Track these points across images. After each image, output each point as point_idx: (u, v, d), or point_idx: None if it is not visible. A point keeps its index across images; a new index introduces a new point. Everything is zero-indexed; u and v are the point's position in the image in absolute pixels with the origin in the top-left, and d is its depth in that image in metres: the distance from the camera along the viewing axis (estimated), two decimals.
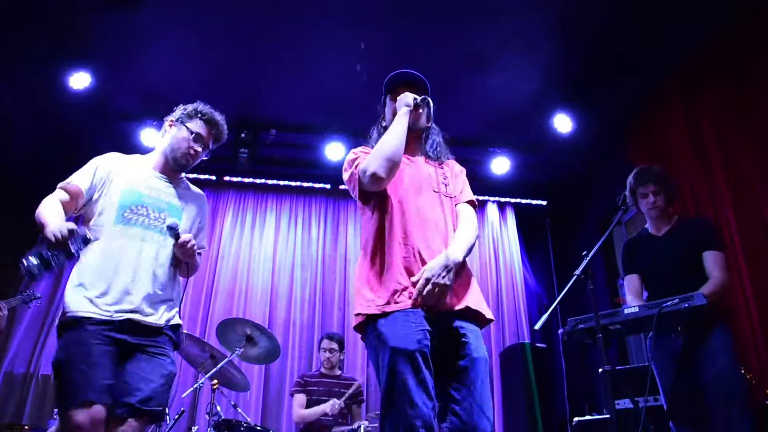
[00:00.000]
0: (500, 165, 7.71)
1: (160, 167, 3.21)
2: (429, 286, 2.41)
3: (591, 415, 4.97)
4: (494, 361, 7.52)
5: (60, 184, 2.96)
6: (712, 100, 5.46)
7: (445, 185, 2.90)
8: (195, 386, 4.79)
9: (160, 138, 3.30)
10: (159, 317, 2.94)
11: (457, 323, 2.51)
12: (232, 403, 5.49)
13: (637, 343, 6.72)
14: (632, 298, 3.98)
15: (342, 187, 7.41)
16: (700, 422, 3.52)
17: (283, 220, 8.22)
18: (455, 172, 3.06)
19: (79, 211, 3.03)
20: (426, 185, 2.81)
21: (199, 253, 3.25)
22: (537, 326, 3.31)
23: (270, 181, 8.34)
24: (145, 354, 2.85)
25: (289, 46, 6.18)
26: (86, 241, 2.66)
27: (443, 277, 2.44)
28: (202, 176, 8.16)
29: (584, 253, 3.37)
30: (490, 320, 2.66)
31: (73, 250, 2.57)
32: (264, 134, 7.49)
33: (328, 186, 8.35)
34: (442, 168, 3.00)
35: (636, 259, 4.09)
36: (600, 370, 3.15)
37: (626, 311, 3.47)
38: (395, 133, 2.73)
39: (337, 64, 6.37)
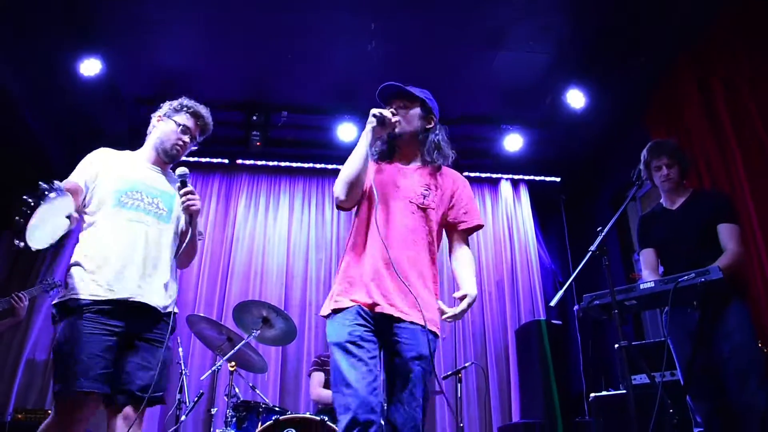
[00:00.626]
0: (513, 142, 7.67)
1: (152, 160, 3.33)
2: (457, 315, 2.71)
3: (607, 390, 4.98)
4: (510, 339, 7.55)
5: (62, 183, 2.94)
6: (727, 72, 5.39)
7: (424, 195, 2.93)
8: (213, 369, 4.83)
9: (149, 133, 3.42)
10: (157, 299, 3.03)
11: (396, 327, 2.69)
12: (250, 384, 5.54)
13: (652, 319, 6.70)
14: (648, 272, 3.96)
15: None
16: (717, 396, 3.52)
17: (296, 201, 8.23)
18: (451, 187, 3.07)
19: (82, 208, 3.10)
20: (401, 197, 2.91)
21: (200, 239, 3.39)
22: (553, 303, 3.31)
23: (283, 163, 8.33)
24: (143, 342, 2.95)
25: (299, 27, 6.16)
26: (59, 191, 2.54)
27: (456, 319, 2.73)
28: (215, 159, 8.19)
29: (599, 228, 3.35)
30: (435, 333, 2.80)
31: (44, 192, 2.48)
32: (276, 116, 7.48)
33: (340, 167, 8.31)
34: (435, 178, 3.04)
35: (651, 234, 4.06)
36: (616, 345, 3.15)
37: (642, 287, 3.46)
38: (354, 156, 2.87)
39: (348, 44, 6.35)
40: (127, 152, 3.34)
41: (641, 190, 4.07)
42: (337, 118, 7.39)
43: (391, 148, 3.09)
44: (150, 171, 3.28)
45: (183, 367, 5.20)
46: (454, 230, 3.03)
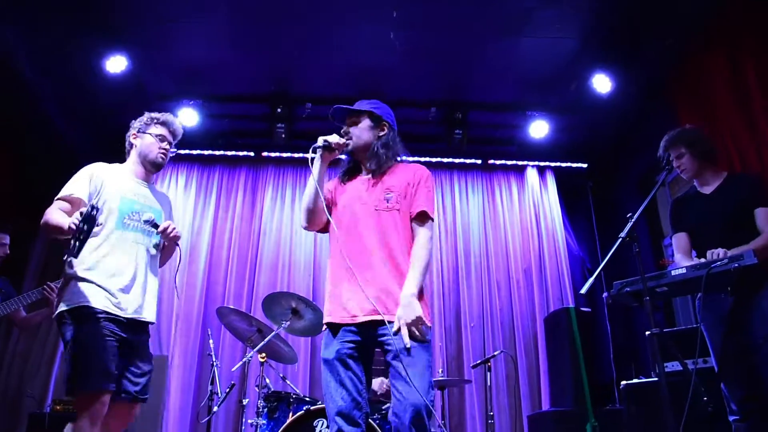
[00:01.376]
0: (539, 129, 7.62)
1: (139, 174, 3.67)
2: (407, 329, 2.77)
3: (638, 378, 4.94)
4: (539, 327, 7.52)
5: (59, 196, 3.36)
6: (757, 47, 5.27)
7: (387, 200, 3.05)
8: (244, 360, 4.87)
9: (128, 152, 3.76)
10: (150, 313, 3.44)
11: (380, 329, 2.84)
12: (281, 375, 5.57)
13: (683, 305, 6.63)
14: (681, 256, 3.91)
15: None
16: (751, 382, 3.47)
17: None
18: (411, 180, 3.13)
19: None
20: (365, 207, 3.06)
21: (177, 243, 3.65)
22: (583, 290, 3.29)
23: (308, 155, 8.31)
24: (137, 350, 3.35)
25: (321, 19, 6.16)
26: (94, 207, 2.92)
27: (409, 317, 2.78)
28: (240, 153, 8.24)
29: (629, 215, 3.32)
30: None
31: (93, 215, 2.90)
32: (300, 108, 7.51)
33: None
34: (395, 177, 3.15)
35: (684, 217, 4.01)
36: (647, 333, 3.12)
37: (673, 273, 3.41)
38: (307, 186, 3.13)
39: (371, 35, 6.34)
40: (116, 166, 3.67)
41: (671, 175, 4.00)
42: None
43: (356, 164, 3.28)
44: (142, 187, 3.63)
45: (214, 359, 5.24)
46: (411, 219, 3.10)
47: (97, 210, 2.92)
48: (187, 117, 7.21)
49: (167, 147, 3.68)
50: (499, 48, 6.61)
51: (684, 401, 3.10)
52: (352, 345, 2.85)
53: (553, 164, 8.58)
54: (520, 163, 8.56)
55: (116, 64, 6.38)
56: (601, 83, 6.68)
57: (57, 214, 3.20)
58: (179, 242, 3.59)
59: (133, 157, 3.68)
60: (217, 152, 8.23)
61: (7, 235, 5.15)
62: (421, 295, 2.89)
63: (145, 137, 3.66)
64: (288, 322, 4.87)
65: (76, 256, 2.92)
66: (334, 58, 6.76)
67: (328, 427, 2.73)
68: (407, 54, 6.57)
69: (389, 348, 2.77)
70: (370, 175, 3.16)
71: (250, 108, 7.69)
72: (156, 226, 3.45)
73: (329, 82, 7.23)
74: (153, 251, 3.53)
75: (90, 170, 3.50)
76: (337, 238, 3.03)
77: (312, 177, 3.09)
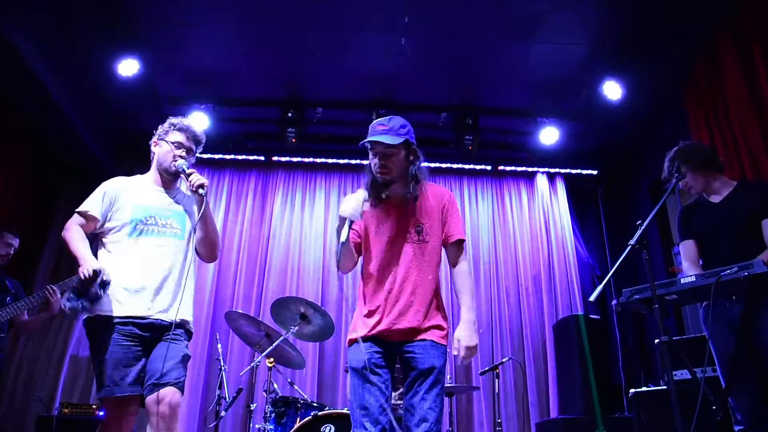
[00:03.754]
0: (549, 135, 7.60)
1: (158, 182, 3.63)
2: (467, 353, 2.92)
3: (647, 386, 4.91)
4: (548, 334, 7.49)
5: (77, 209, 3.41)
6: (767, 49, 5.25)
7: (418, 233, 3.09)
8: (252, 365, 4.87)
9: (152, 159, 3.69)
10: (174, 316, 3.29)
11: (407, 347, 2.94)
12: (289, 380, 5.57)
13: (693, 313, 6.59)
14: (688, 264, 3.89)
15: None
16: (759, 390, 3.45)
17: (332, 197, 8.26)
18: (437, 207, 3.17)
19: (96, 232, 3.45)
20: (398, 237, 3.08)
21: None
22: (592, 298, 3.28)
23: (318, 159, 8.36)
24: (163, 341, 3.27)
25: (332, 24, 6.19)
26: (104, 285, 3.10)
27: (470, 342, 2.93)
28: (251, 157, 8.27)
29: (638, 222, 3.30)
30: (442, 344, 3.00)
31: (98, 293, 3.09)
32: (310, 113, 7.52)
33: None
34: (423, 204, 3.15)
35: (693, 225, 3.98)
36: (657, 341, 3.11)
37: (683, 281, 3.40)
38: (333, 247, 3.23)
39: (381, 39, 6.36)
40: (137, 177, 3.66)
41: (680, 183, 3.98)
42: (371, 113, 7.37)
43: (382, 186, 3.17)
44: (159, 193, 3.58)
45: (222, 363, 5.25)
46: (446, 246, 3.16)
47: (103, 285, 3.09)
48: (199, 120, 7.23)
49: (183, 154, 3.59)
50: (510, 54, 6.61)
51: (693, 409, 3.09)
52: (378, 355, 2.92)
53: (563, 171, 8.57)
54: (530, 169, 8.55)
55: (128, 67, 6.42)
56: (612, 90, 6.66)
57: (77, 239, 3.28)
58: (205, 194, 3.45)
59: (153, 165, 3.65)
60: (227, 156, 8.26)
61: (15, 238, 5.15)
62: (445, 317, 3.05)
63: (162, 145, 3.61)
64: (296, 327, 4.87)
65: (71, 308, 3.09)
66: (345, 62, 6.78)
67: None
68: (418, 59, 6.57)
69: (419, 362, 2.86)
70: (400, 202, 3.13)
71: (261, 112, 7.71)
72: (185, 172, 3.46)
73: (340, 86, 7.25)
74: (181, 249, 3.48)
75: (105, 187, 3.50)
76: (371, 265, 3.08)
77: (338, 241, 2.99)
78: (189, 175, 3.43)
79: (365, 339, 2.94)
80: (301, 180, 8.37)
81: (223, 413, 4.98)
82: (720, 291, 3.26)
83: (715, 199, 3.93)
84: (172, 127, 3.64)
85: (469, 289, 3.06)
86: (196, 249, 3.60)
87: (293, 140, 7.56)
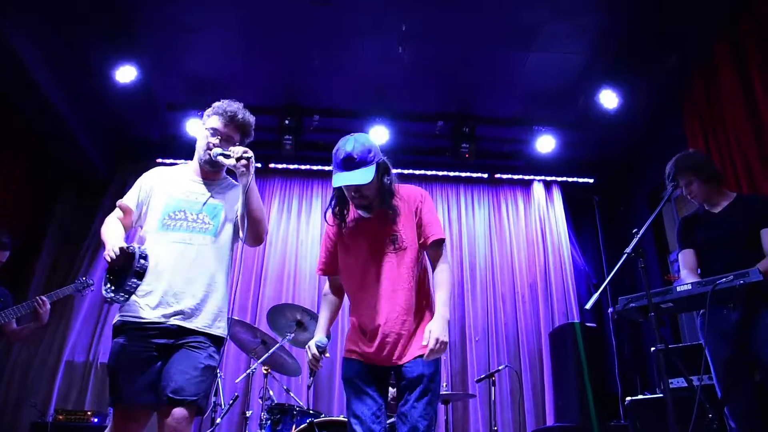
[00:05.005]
0: (545, 143, 7.62)
1: (198, 172, 3.32)
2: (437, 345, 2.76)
3: (643, 394, 4.92)
4: (544, 342, 7.49)
5: (118, 202, 3.19)
6: (765, 64, 5.27)
7: (393, 242, 3.02)
8: (248, 372, 4.88)
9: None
10: (199, 320, 3.03)
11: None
12: (285, 387, 5.56)
13: (689, 321, 6.61)
14: (687, 273, 3.90)
15: None
16: (754, 399, 3.46)
17: None
18: (408, 210, 3.09)
19: (135, 225, 3.24)
20: (370, 248, 3.03)
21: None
22: (588, 306, 3.29)
23: (315, 167, 8.37)
24: (184, 348, 2.96)
25: (330, 32, 6.21)
26: (144, 257, 2.80)
27: (440, 334, 2.79)
28: None
29: (634, 230, 3.32)
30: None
31: (127, 284, 2.76)
32: (308, 120, 7.54)
33: None
34: (398, 214, 3.05)
35: (692, 235, 4.00)
36: (653, 348, 3.11)
37: (679, 289, 3.41)
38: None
39: (379, 47, 6.38)
40: (179, 167, 3.40)
41: (677, 192, 3.99)
42: (368, 121, 7.40)
43: (344, 202, 3.16)
44: (197, 185, 3.28)
45: (218, 370, 5.24)
46: (423, 248, 3.08)
47: (144, 258, 2.80)
48: (196, 127, 7.25)
49: (216, 142, 3.21)
50: (507, 62, 6.63)
51: (689, 417, 3.09)
52: (367, 369, 2.97)
53: (559, 179, 8.59)
54: (526, 177, 8.57)
55: (126, 73, 6.43)
56: (609, 99, 6.69)
57: (107, 228, 3.07)
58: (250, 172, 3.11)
59: (195, 154, 3.33)
60: None
61: (5, 252, 5.03)
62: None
63: (200, 132, 3.30)
64: (292, 334, 4.88)
65: (110, 299, 2.78)
66: (342, 70, 6.80)
67: None
68: (415, 67, 6.60)
69: (408, 373, 2.85)
70: (371, 214, 3.06)
71: (258, 119, 7.50)
72: (226, 155, 3.10)
73: (338, 94, 7.26)
74: (210, 247, 3.15)
75: (143, 178, 3.29)
76: (352, 284, 3.11)
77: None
78: (229, 155, 3.07)
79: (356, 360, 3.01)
80: (297, 187, 8.37)
81: (218, 420, 4.96)
82: (716, 299, 3.27)
83: (714, 210, 3.95)
84: (212, 111, 3.32)
85: (446, 286, 2.98)
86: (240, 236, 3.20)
87: (290, 147, 7.56)
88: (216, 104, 3.34)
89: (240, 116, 3.34)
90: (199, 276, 3.07)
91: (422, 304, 3.00)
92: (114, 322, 3.02)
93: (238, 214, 3.22)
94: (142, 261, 2.77)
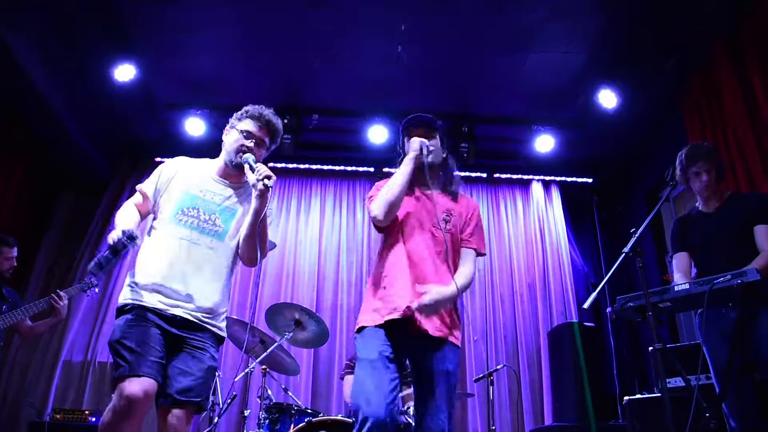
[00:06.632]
0: (544, 143, 7.62)
1: (221, 172, 3.31)
2: (428, 303, 2.75)
3: (642, 393, 4.92)
4: (542, 341, 7.49)
5: (137, 186, 3.18)
6: (765, 64, 5.27)
7: (446, 221, 3.09)
8: (246, 371, 4.88)
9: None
10: (201, 316, 3.05)
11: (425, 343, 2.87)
12: (283, 386, 5.56)
13: (687, 321, 6.61)
14: (680, 275, 3.90)
15: (386, 169, 7.42)
16: (754, 398, 3.46)
17: (327, 204, 8.27)
18: (466, 212, 3.21)
19: (152, 211, 3.23)
20: (427, 221, 3.08)
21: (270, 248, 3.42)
22: (586, 305, 3.28)
23: (314, 166, 8.38)
24: (188, 347, 2.99)
25: (329, 31, 6.20)
26: (131, 237, 2.80)
27: (440, 303, 2.81)
28: None
29: (632, 230, 3.32)
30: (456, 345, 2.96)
31: (119, 247, 2.77)
32: (307, 119, 7.53)
33: (371, 169, 8.35)
34: (455, 202, 3.22)
35: (686, 237, 4.00)
36: (651, 348, 3.11)
37: (676, 288, 3.41)
38: (397, 180, 3.04)
39: (378, 47, 6.38)
40: (204, 161, 3.39)
41: (675, 191, 4.00)
42: (367, 121, 7.41)
43: (418, 172, 3.19)
44: (216, 185, 3.28)
45: (216, 369, 5.24)
46: (461, 249, 3.14)
47: (131, 238, 2.78)
48: (195, 126, 7.25)
49: (251, 146, 3.24)
50: (506, 62, 6.63)
51: (687, 417, 3.09)
52: (393, 348, 2.84)
53: (558, 179, 8.60)
54: (525, 177, 8.57)
55: (125, 73, 6.43)
56: (608, 98, 6.68)
57: (122, 212, 3.08)
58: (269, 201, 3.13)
59: (221, 155, 3.33)
60: None
61: (14, 248, 5.18)
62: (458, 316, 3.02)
63: (232, 133, 3.31)
64: (291, 334, 4.87)
65: (93, 272, 2.79)
66: (341, 70, 6.80)
67: None
68: (414, 67, 6.59)
69: (435, 364, 2.84)
70: (431, 191, 3.14)
71: None
72: (250, 167, 3.10)
73: (337, 94, 7.26)
74: (217, 251, 3.14)
75: (163, 166, 3.30)
76: (401, 241, 3.05)
77: (404, 173, 3.06)
78: (255, 169, 3.08)
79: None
80: (296, 187, 8.37)
81: (216, 419, 4.95)
82: (714, 299, 3.27)
83: (709, 208, 3.95)
84: (245, 114, 3.34)
85: (464, 277, 3.00)
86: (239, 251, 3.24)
87: (288, 146, 7.55)
88: (248, 108, 3.38)
89: (274, 122, 3.38)
90: (201, 275, 3.07)
91: None
92: (117, 305, 3.01)
93: (242, 232, 3.23)
94: (125, 240, 2.77)
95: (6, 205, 6.80)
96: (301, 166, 8.33)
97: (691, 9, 5.61)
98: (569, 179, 8.60)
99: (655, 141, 7.37)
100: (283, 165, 8.32)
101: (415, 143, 3.12)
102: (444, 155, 3.28)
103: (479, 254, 3.15)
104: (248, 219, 3.14)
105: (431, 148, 3.14)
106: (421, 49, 6.40)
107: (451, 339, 2.90)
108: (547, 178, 8.58)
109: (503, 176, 8.56)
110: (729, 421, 3.53)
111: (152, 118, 7.53)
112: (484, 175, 8.52)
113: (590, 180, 8.58)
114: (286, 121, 7.40)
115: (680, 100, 6.53)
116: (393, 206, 3.01)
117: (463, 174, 8.41)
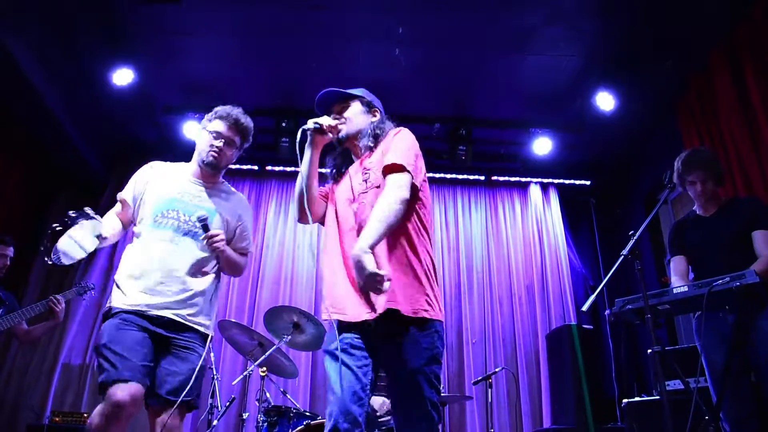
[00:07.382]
0: (542, 146, 7.63)
1: (197, 173, 3.41)
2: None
3: (640, 396, 4.92)
4: (541, 344, 7.49)
5: (117, 195, 3.27)
6: (761, 69, 5.28)
7: (365, 181, 2.71)
8: (244, 374, 4.87)
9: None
10: (186, 315, 3.12)
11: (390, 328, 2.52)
12: (281, 389, 5.55)
13: (686, 323, 6.61)
14: (677, 279, 3.90)
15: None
16: (751, 402, 3.46)
17: None
18: (384, 148, 2.75)
19: (132, 219, 3.32)
20: (346, 198, 2.77)
21: (243, 254, 3.49)
22: (584, 308, 3.28)
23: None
24: (175, 348, 3.07)
25: (327, 34, 6.20)
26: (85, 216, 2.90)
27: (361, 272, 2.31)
28: (244, 166, 8.26)
29: (631, 232, 3.32)
30: (422, 318, 2.61)
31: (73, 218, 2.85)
32: (304, 122, 7.49)
33: None
34: (373, 151, 2.83)
35: (684, 241, 4.00)
36: (649, 351, 3.12)
37: (675, 291, 3.41)
38: (299, 175, 2.88)
39: (376, 50, 6.38)
40: (180, 165, 3.46)
41: (673, 194, 4.00)
42: None
43: (345, 156, 3.01)
44: (193, 186, 3.36)
45: (215, 372, 5.23)
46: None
47: (78, 216, 2.87)
48: (192, 129, 7.25)
49: (220, 146, 3.32)
50: (504, 65, 6.64)
51: (686, 420, 3.09)
52: (357, 337, 2.56)
53: (556, 181, 8.60)
54: (523, 179, 8.57)
55: (123, 76, 6.43)
56: (605, 101, 6.69)
57: (106, 220, 3.14)
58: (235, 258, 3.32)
59: (194, 156, 3.40)
60: None
61: (10, 247, 5.16)
62: (419, 278, 2.58)
63: (203, 134, 3.38)
64: (289, 336, 4.86)
65: (48, 257, 2.83)
66: (339, 72, 6.78)
67: None
68: (412, 70, 6.60)
69: (405, 353, 2.53)
70: (359, 162, 2.86)
71: (255, 121, 7.50)
72: (206, 228, 3.14)
73: None
74: (194, 250, 3.20)
75: (139, 172, 3.37)
76: (334, 234, 2.75)
77: (303, 164, 2.85)
78: (206, 237, 3.14)
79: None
80: (294, 189, 8.35)
81: (215, 422, 4.95)
82: (712, 301, 3.27)
83: (706, 212, 3.96)
84: (215, 115, 3.42)
85: (378, 212, 2.45)
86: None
87: (285, 148, 7.55)
88: (218, 108, 3.47)
89: (243, 121, 3.47)
90: (184, 276, 3.15)
91: (412, 252, 2.62)
92: (103, 310, 3.08)
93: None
94: (72, 220, 2.84)
95: (3, 206, 6.79)
96: (299, 170, 8.30)
97: (688, 12, 5.62)
98: (567, 182, 8.60)
99: (652, 143, 7.39)
100: (282, 168, 8.33)
101: (304, 128, 2.89)
102: (370, 120, 2.99)
103: (398, 171, 2.57)
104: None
105: (334, 122, 2.89)
106: (418, 52, 6.40)
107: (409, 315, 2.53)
108: (545, 180, 8.59)
109: (501, 179, 8.56)
110: (723, 425, 3.52)
111: (150, 120, 7.53)
112: (482, 177, 8.52)
113: (588, 182, 8.59)
114: (284, 124, 7.41)
115: (677, 102, 6.55)
116: (301, 203, 2.84)
117: (460, 177, 8.45)
